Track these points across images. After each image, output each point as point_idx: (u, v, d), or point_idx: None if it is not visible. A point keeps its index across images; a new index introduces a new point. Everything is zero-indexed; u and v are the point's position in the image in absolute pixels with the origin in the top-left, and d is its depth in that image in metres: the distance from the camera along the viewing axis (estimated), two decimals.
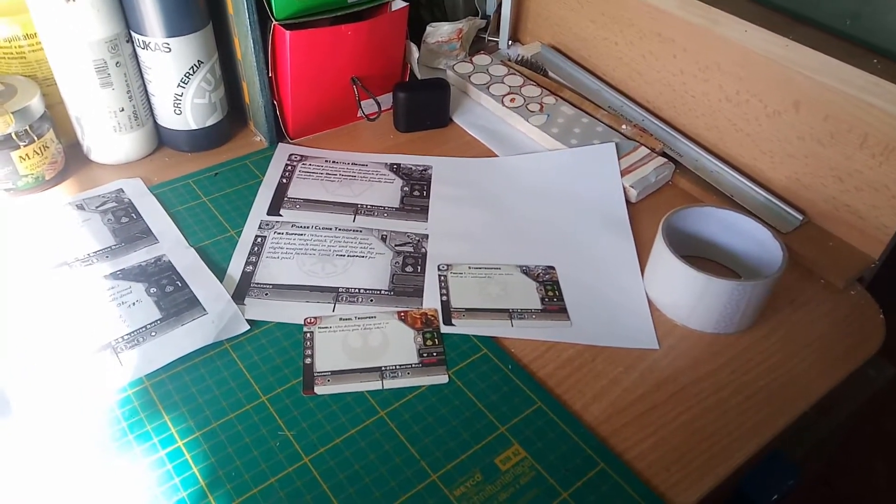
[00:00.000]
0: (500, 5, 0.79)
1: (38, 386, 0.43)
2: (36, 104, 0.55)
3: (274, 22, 0.58)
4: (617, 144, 0.64)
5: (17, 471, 0.39)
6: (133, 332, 0.46)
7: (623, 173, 0.62)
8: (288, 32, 0.58)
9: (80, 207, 0.57)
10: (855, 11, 0.54)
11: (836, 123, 0.54)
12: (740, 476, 0.69)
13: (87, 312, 0.47)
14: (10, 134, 0.54)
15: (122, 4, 0.55)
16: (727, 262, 0.55)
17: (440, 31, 0.74)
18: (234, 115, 0.67)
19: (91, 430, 0.41)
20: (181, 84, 0.59)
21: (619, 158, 0.63)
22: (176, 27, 0.56)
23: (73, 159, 0.62)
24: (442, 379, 0.45)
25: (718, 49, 0.60)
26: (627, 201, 0.61)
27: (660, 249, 0.50)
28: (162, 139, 0.65)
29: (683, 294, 0.49)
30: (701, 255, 0.56)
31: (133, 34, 0.57)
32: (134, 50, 0.58)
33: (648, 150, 0.64)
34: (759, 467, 0.80)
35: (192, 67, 0.59)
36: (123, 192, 0.59)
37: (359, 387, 0.44)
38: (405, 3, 0.65)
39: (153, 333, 0.46)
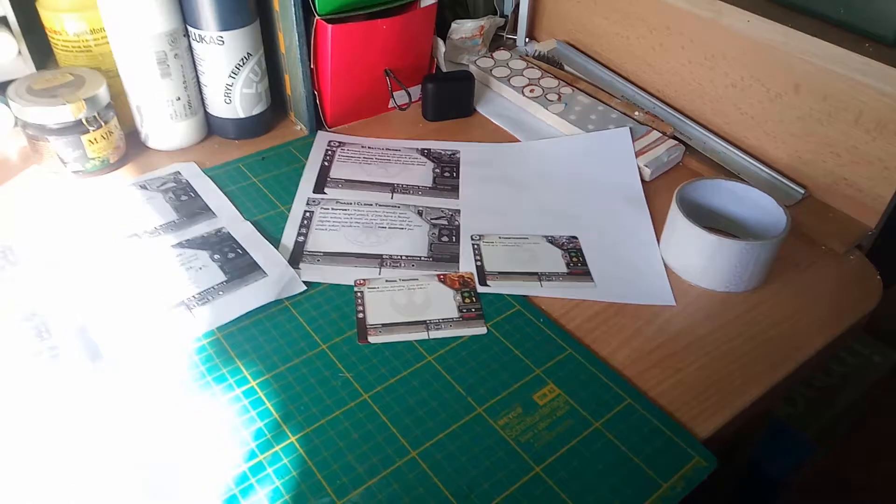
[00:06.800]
0: (517, 5, 0.84)
1: (124, 335, 0.48)
2: (103, 93, 0.61)
3: (317, 17, 0.64)
4: (631, 129, 0.70)
5: (110, 407, 0.44)
6: (202, 291, 0.51)
7: (637, 154, 0.67)
8: (330, 26, 0.64)
9: (144, 187, 0.62)
10: (847, 0, 0.59)
11: (833, 103, 0.59)
12: (752, 444, 0.74)
13: (159, 275, 0.53)
14: (80, 119, 0.59)
15: (180, 1, 0.61)
16: (735, 230, 0.60)
17: (464, 28, 0.80)
18: (274, 106, 0.72)
19: (173, 373, 0.46)
20: (232, 75, 0.65)
21: (633, 141, 0.68)
22: (229, 22, 0.62)
23: (131, 146, 0.67)
24: (481, 330, 0.50)
25: (723, 39, 0.66)
26: (642, 180, 0.66)
27: (674, 215, 0.55)
28: (211, 127, 0.70)
29: (697, 256, 0.54)
30: (711, 224, 0.61)
31: (189, 28, 0.63)
32: (189, 43, 0.64)
33: (660, 134, 0.69)
34: (771, 443, 0.85)
35: (242, 59, 0.64)
36: (181, 174, 0.64)
37: (407, 337, 0.49)
38: (433, 0, 0.70)
39: (220, 293, 0.51)
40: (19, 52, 0.64)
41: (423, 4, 0.70)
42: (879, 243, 0.62)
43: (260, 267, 0.54)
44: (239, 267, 0.54)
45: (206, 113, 0.69)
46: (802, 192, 0.63)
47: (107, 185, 0.62)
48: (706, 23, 0.67)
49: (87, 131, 0.60)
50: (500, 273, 0.55)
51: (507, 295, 0.53)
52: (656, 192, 0.65)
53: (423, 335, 0.50)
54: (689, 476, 0.41)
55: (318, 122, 0.71)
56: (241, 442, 0.42)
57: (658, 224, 0.61)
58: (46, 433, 0.42)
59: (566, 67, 0.81)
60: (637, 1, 0.73)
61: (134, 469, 0.41)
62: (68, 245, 0.55)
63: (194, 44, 0.63)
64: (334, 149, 0.69)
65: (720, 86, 0.68)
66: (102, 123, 0.61)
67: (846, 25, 0.60)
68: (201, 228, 0.58)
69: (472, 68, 0.80)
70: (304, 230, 0.59)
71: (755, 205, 0.57)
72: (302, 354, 0.48)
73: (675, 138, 0.70)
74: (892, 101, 0.55)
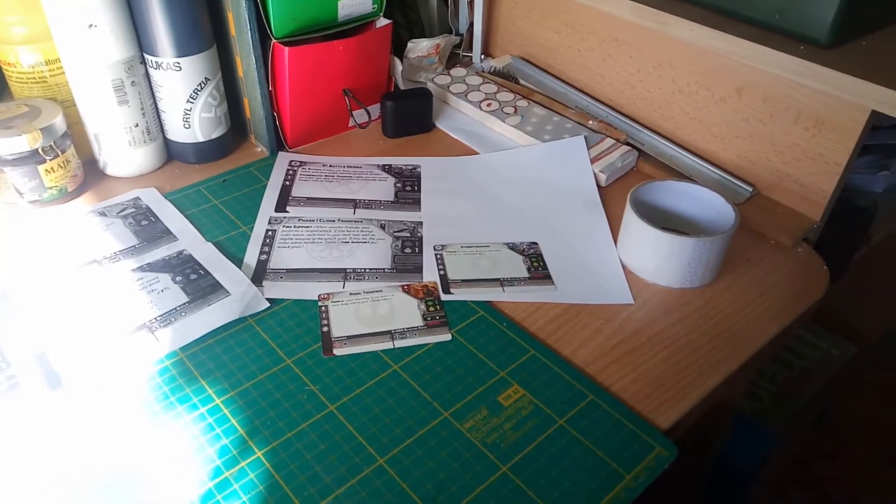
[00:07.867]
0: (471, 23, 0.86)
1: (84, 361, 0.47)
2: (59, 122, 0.61)
3: (273, 40, 0.65)
4: (585, 137, 0.72)
5: (72, 433, 0.43)
6: (165, 313, 0.51)
7: (592, 161, 0.69)
8: (286, 49, 0.65)
9: (103, 214, 0.62)
10: (781, 7, 0.62)
11: (773, 104, 0.62)
12: (721, 445, 0.75)
13: (120, 300, 0.52)
14: (37, 149, 0.59)
15: (136, 29, 0.62)
16: (688, 229, 0.62)
17: (420, 47, 0.81)
18: (234, 129, 0.73)
19: (136, 394, 0.46)
20: (190, 100, 0.65)
21: (588, 149, 0.70)
22: (185, 48, 0.62)
23: (90, 174, 0.67)
24: (446, 337, 0.51)
25: (669, 48, 0.68)
26: (598, 185, 0.68)
27: (629, 217, 0.57)
28: (170, 153, 0.70)
29: (652, 254, 0.56)
30: (665, 225, 0.63)
31: (146, 56, 0.63)
32: (146, 71, 0.64)
33: (614, 141, 0.72)
34: (738, 438, 0.87)
35: (200, 84, 0.65)
36: (140, 199, 0.64)
37: (373, 347, 0.50)
38: (388, 21, 0.72)
39: (183, 314, 0.51)
40: None
41: (378, 25, 0.72)
42: (826, 236, 0.65)
43: (222, 286, 0.54)
44: (201, 287, 0.54)
45: (165, 138, 0.69)
46: (750, 189, 0.65)
47: (65, 214, 0.62)
48: (651, 33, 0.69)
49: (44, 161, 0.60)
50: (463, 281, 0.56)
51: (471, 301, 0.54)
52: (612, 196, 0.67)
53: (388, 345, 0.50)
54: (651, 466, 0.42)
55: (278, 144, 0.72)
56: (207, 460, 0.42)
57: (615, 226, 0.62)
58: (8, 462, 0.42)
59: (521, 81, 0.83)
60: (585, 15, 0.75)
61: (98, 493, 0.40)
62: (25, 274, 0.55)
63: (151, 70, 0.64)
64: (295, 168, 0.69)
65: (668, 92, 0.71)
66: (59, 153, 0.61)
67: (782, 30, 0.63)
68: (162, 252, 0.58)
69: (430, 85, 0.82)
70: (266, 248, 0.59)
71: (706, 204, 0.59)
72: (266, 370, 0.48)
73: (628, 144, 0.72)
74: (828, 100, 0.58)
